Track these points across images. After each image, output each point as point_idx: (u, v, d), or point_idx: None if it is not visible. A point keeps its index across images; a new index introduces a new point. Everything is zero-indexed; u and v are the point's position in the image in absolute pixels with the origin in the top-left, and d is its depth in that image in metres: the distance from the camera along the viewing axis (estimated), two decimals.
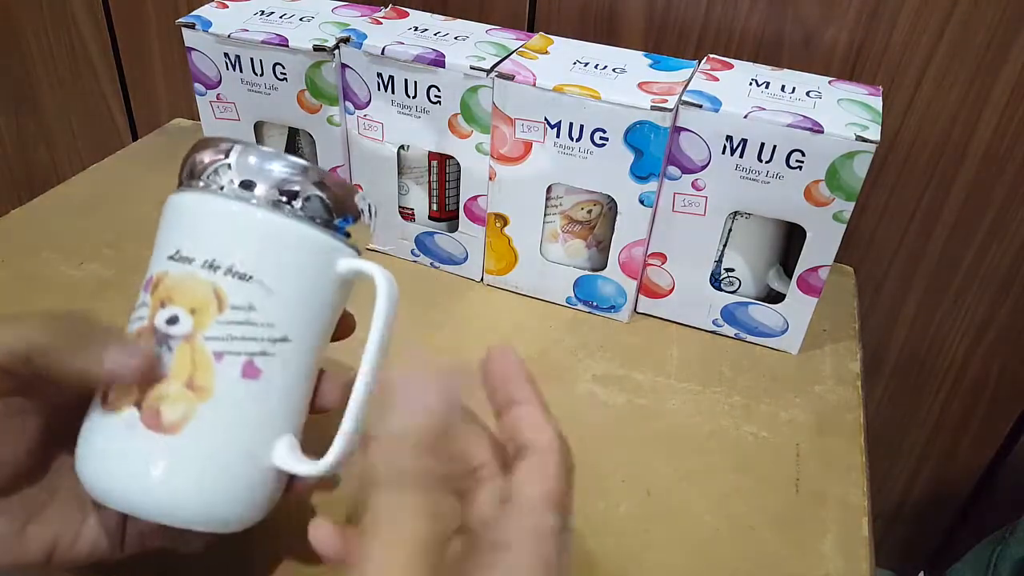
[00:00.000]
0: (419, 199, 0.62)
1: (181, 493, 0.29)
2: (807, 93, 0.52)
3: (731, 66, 0.56)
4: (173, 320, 0.29)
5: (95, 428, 0.30)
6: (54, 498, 0.32)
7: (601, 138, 0.51)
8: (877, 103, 0.51)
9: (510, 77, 0.51)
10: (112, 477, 0.29)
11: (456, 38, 0.56)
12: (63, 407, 0.31)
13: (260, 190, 0.31)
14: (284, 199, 0.31)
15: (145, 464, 0.29)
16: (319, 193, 0.31)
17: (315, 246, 0.32)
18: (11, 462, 0.30)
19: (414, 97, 0.55)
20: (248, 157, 0.31)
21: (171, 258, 0.30)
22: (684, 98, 0.50)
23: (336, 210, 0.32)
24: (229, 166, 0.31)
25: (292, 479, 0.33)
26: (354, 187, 0.34)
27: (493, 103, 0.53)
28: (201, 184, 0.31)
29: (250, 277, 0.30)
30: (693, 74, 0.54)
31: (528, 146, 0.54)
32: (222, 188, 0.31)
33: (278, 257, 0.31)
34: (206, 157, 0.32)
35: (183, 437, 0.29)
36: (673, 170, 0.52)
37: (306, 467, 0.31)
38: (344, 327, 0.35)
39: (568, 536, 0.28)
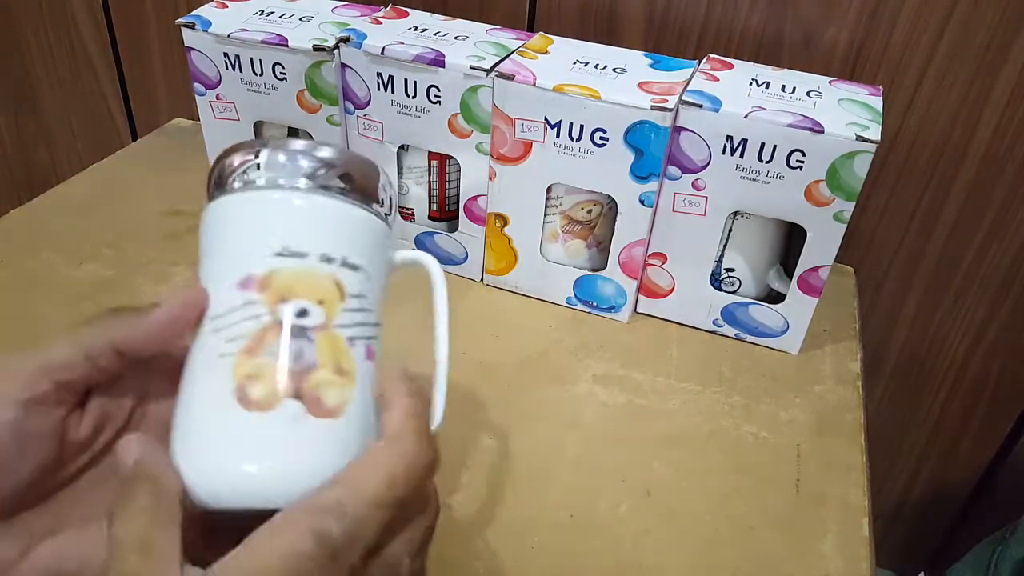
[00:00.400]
0: (419, 199, 0.62)
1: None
2: (807, 93, 0.52)
3: (731, 66, 0.56)
4: (303, 313, 0.29)
5: (235, 432, 0.28)
6: (61, 525, 0.31)
7: (601, 138, 0.51)
8: (877, 103, 0.51)
9: (510, 77, 0.51)
10: (278, 474, 0.28)
11: (456, 38, 0.56)
12: (76, 440, 0.31)
13: (352, 187, 0.33)
14: (366, 196, 0.33)
15: (322, 452, 0.28)
16: (386, 193, 0.34)
17: (387, 237, 0.34)
18: (19, 482, 0.30)
19: (414, 97, 0.55)
20: (330, 153, 0.33)
21: (279, 255, 0.30)
22: (684, 98, 0.50)
23: (389, 208, 0.35)
24: (316, 165, 0.32)
25: None
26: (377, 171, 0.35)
27: (493, 103, 0.53)
28: (276, 183, 0.32)
29: (359, 267, 0.31)
30: (693, 74, 0.54)
31: (528, 146, 0.54)
32: (310, 185, 0.32)
33: (372, 247, 0.33)
34: (285, 155, 0.32)
35: (345, 420, 0.29)
36: (673, 170, 0.52)
37: None
38: None
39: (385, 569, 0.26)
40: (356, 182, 0.33)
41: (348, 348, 0.30)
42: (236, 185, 0.32)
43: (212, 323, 0.30)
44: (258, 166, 0.32)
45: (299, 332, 0.29)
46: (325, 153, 0.32)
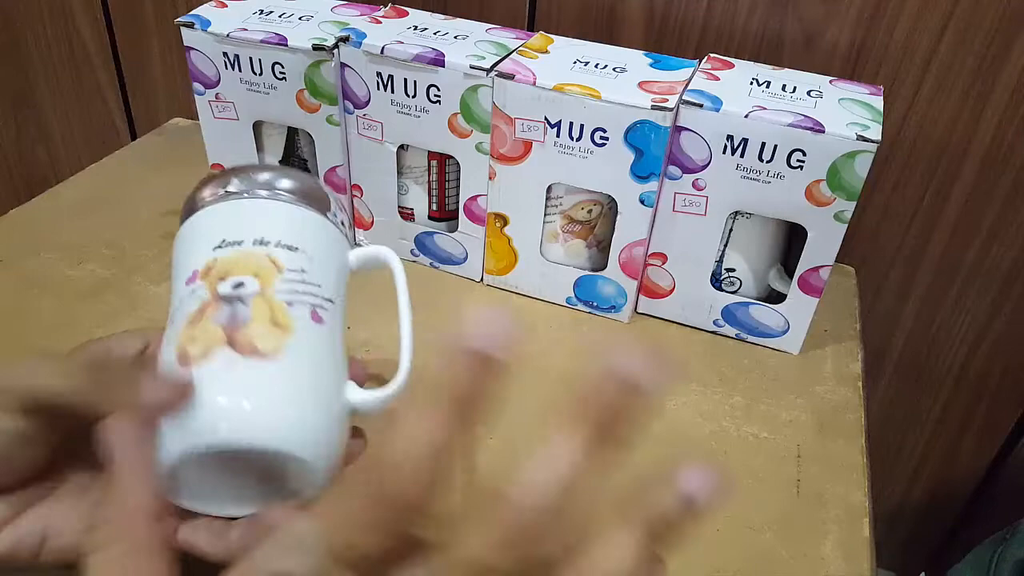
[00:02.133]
0: (419, 199, 0.62)
1: (290, 416, 0.30)
2: (808, 93, 0.52)
3: (732, 65, 0.56)
4: (239, 285, 0.32)
5: (202, 397, 0.30)
6: (52, 492, 0.32)
7: (601, 138, 0.51)
8: (878, 103, 0.51)
9: (510, 76, 0.51)
10: (224, 414, 0.29)
11: (456, 37, 0.56)
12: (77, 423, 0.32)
13: (294, 192, 0.36)
14: (310, 203, 0.36)
15: (256, 392, 0.30)
16: (336, 219, 0.37)
17: (333, 232, 0.37)
18: (20, 469, 0.31)
19: (414, 97, 0.55)
20: (283, 172, 0.36)
21: (217, 248, 0.33)
22: (685, 97, 0.50)
23: (340, 223, 0.37)
24: (264, 180, 0.36)
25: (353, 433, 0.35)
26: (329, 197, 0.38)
27: (493, 103, 0.53)
28: (217, 196, 0.36)
29: (296, 248, 0.34)
30: (694, 73, 0.54)
31: (528, 146, 0.53)
32: (242, 192, 0.35)
33: (313, 236, 0.35)
34: (214, 182, 0.36)
35: (283, 361, 0.31)
36: (674, 170, 0.52)
37: (376, 393, 0.34)
38: None
39: None
40: (300, 191, 0.36)
41: (286, 308, 0.32)
42: (194, 210, 0.36)
43: (169, 320, 0.33)
44: (218, 190, 0.36)
45: (234, 299, 0.32)
46: (278, 172, 0.36)
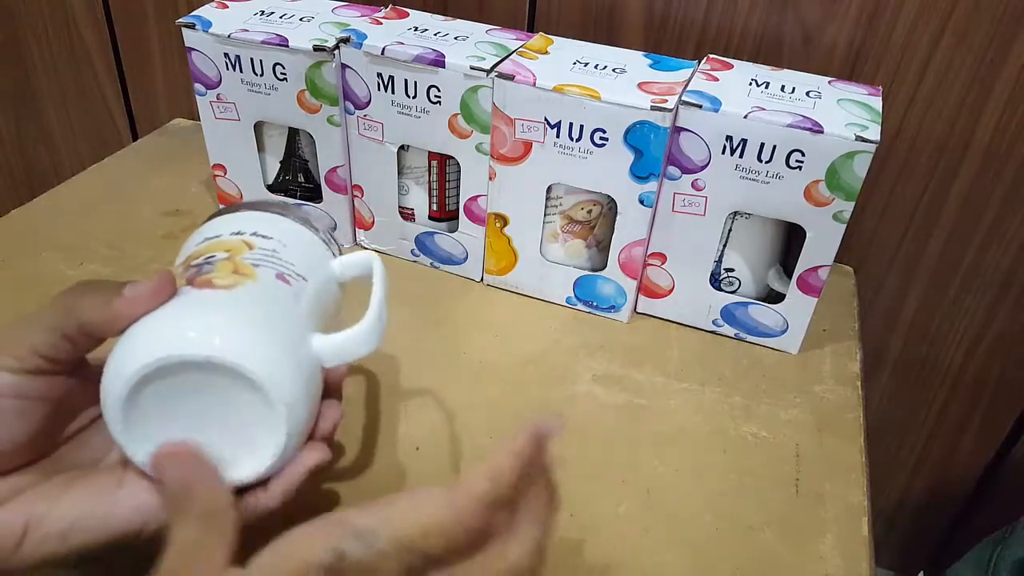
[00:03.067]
0: (419, 199, 0.62)
1: (244, 338, 0.31)
2: (807, 93, 0.52)
3: (731, 66, 0.56)
4: (210, 258, 0.35)
5: (145, 324, 0.31)
6: (35, 485, 0.32)
7: (601, 138, 0.51)
8: (877, 103, 0.51)
9: (510, 77, 0.51)
10: (180, 338, 0.30)
11: (456, 38, 0.56)
12: (67, 404, 0.33)
13: (285, 210, 0.39)
14: (284, 211, 0.39)
15: (209, 313, 0.32)
16: (327, 236, 0.40)
17: (313, 240, 0.39)
18: (17, 443, 0.31)
19: (414, 97, 0.55)
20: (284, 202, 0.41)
21: (198, 244, 0.37)
22: (684, 98, 0.50)
23: (318, 226, 0.40)
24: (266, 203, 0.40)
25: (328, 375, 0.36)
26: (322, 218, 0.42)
27: (493, 103, 0.53)
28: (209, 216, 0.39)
29: (270, 237, 0.37)
30: (693, 74, 0.54)
31: (528, 146, 0.54)
32: (233, 209, 0.39)
33: (293, 238, 0.38)
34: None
35: (236, 293, 0.33)
36: (673, 170, 0.52)
37: (342, 336, 0.34)
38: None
39: None
40: (292, 211, 0.39)
41: (250, 265, 0.35)
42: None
43: None
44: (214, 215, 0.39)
45: (203, 263, 0.34)
46: (276, 202, 0.39)
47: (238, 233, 0.37)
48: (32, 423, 0.31)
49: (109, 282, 0.32)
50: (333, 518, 0.27)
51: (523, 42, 0.57)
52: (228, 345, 0.30)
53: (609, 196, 0.54)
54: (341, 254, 0.40)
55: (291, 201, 0.39)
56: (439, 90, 0.54)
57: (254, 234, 0.37)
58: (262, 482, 0.33)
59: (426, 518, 0.27)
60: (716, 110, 0.49)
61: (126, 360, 0.30)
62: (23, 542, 0.31)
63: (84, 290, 0.32)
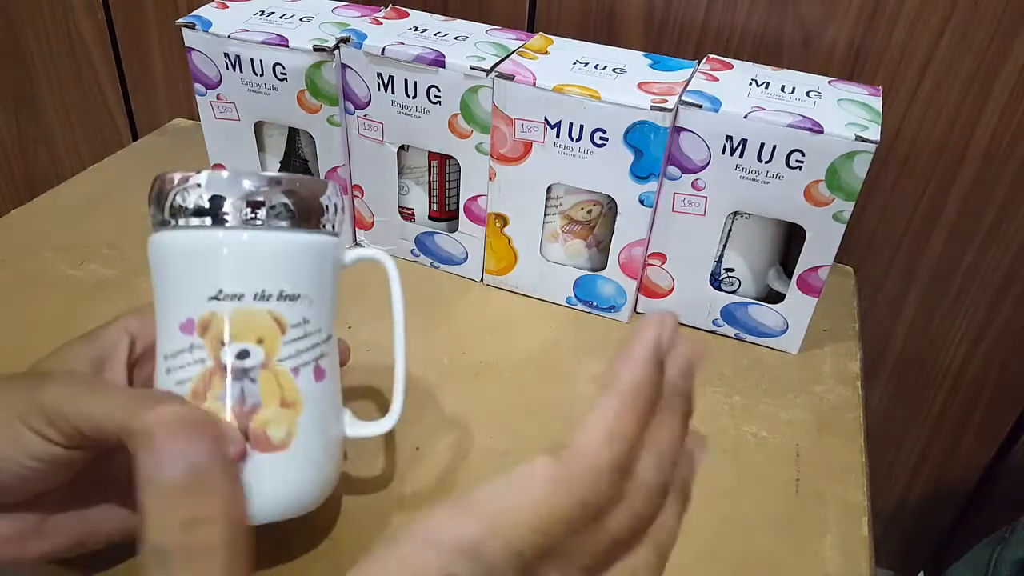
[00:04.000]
0: (419, 199, 0.62)
1: (298, 494, 0.33)
2: (807, 93, 0.52)
3: (731, 66, 0.56)
4: (243, 355, 0.32)
5: None
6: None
7: (601, 138, 0.51)
8: (877, 103, 0.51)
9: (510, 77, 0.51)
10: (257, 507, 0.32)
11: (456, 38, 0.56)
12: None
13: (262, 214, 0.33)
14: (294, 215, 0.33)
15: (268, 481, 0.32)
16: (331, 201, 0.35)
17: (329, 250, 0.35)
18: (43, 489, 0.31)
19: (414, 97, 0.55)
20: (264, 182, 0.33)
21: (214, 299, 0.32)
22: (684, 98, 0.50)
23: (329, 213, 0.35)
24: (250, 194, 0.33)
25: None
26: (323, 183, 0.36)
27: (493, 103, 0.53)
28: (210, 218, 0.32)
29: (298, 296, 0.33)
30: (693, 74, 0.54)
31: (528, 146, 0.54)
32: (244, 217, 0.32)
33: (311, 270, 0.34)
34: (192, 186, 0.33)
35: (292, 450, 0.32)
36: (673, 170, 0.52)
37: (374, 427, 0.37)
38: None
39: None
40: (293, 205, 0.33)
41: (293, 379, 0.32)
42: (169, 216, 0.33)
43: (165, 363, 0.32)
44: (190, 192, 0.33)
45: (241, 374, 0.31)
46: (258, 182, 0.33)
47: (263, 297, 0.32)
48: (72, 468, 0.31)
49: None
50: (433, 534, 0.23)
51: (523, 42, 0.57)
52: (300, 505, 0.34)
53: (609, 196, 0.54)
54: (343, 213, 0.37)
55: (283, 176, 0.34)
56: (439, 90, 0.54)
57: (282, 297, 0.32)
58: None
59: (534, 508, 0.22)
60: (716, 110, 0.49)
61: None
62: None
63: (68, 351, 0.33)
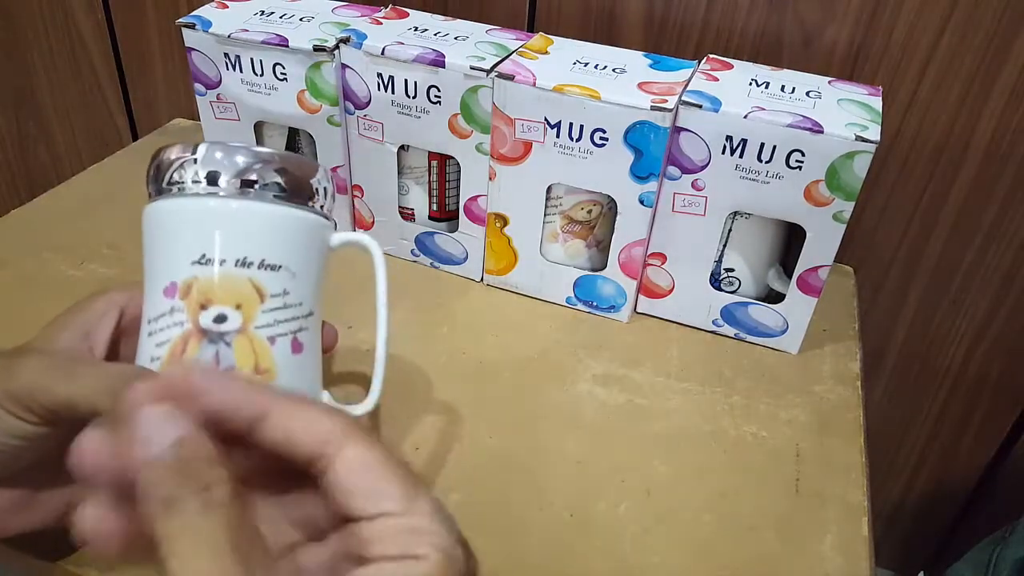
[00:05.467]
0: (419, 199, 0.62)
1: None
2: (807, 93, 0.52)
3: (731, 66, 0.56)
4: (221, 319, 0.32)
5: None
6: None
7: (601, 138, 0.51)
8: (877, 103, 0.51)
9: (510, 77, 0.51)
10: None
11: (456, 38, 0.56)
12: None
13: (252, 186, 0.34)
14: (285, 191, 0.34)
15: None
16: (321, 185, 0.36)
17: (315, 229, 0.36)
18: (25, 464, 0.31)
19: (414, 97, 0.55)
20: (226, 155, 0.34)
21: (197, 263, 0.33)
22: (684, 98, 0.50)
23: (319, 196, 0.36)
24: (242, 166, 0.33)
25: None
26: (314, 166, 0.36)
27: (493, 103, 0.53)
28: (192, 189, 0.33)
29: (279, 267, 0.33)
30: (693, 74, 0.54)
31: (528, 146, 0.54)
32: (233, 188, 0.33)
33: (295, 243, 0.34)
34: (213, 156, 0.34)
35: None
36: (673, 170, 0.52)
37: (352, 409, 0.37)
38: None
39: None
40: (283, 180, 0.34)
41: (269, 347, 0.33)
42: (165, 187, 0.34)
43: (148, 326, 0.33)
44: (187, 167, 0.34)
45: (217, 337, 0.32)
46: (250, 156, 0.34)
47: (244, 264, 0.33)
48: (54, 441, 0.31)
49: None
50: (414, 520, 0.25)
51: (523, 42, 0.57)
52: None
53: (609, 196, 0.54)
54: (332, 199, 0.37)
55: (277, 152, 0.35)
56: (439, 90, 0.54)
57: (263, 266, 0.33)
58: None
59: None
60: (716, 110, 0.49)
61: None
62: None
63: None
